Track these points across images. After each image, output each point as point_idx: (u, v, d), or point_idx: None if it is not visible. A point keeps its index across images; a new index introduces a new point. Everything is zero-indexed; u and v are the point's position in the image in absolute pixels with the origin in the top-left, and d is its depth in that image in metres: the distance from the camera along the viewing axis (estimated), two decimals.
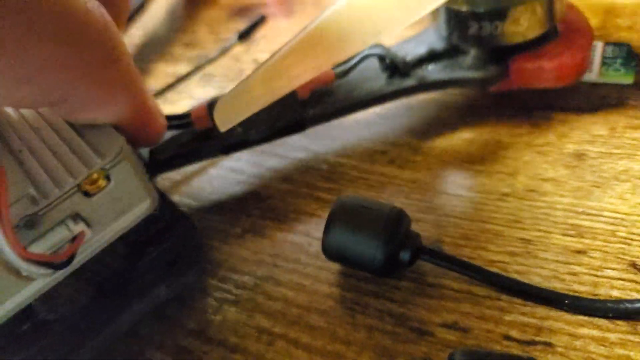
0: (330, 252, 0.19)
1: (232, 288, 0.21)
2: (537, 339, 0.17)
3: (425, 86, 0.24)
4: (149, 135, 0.19)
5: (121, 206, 0.17)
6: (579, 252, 0.19)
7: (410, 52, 0.25)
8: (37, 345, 0.17)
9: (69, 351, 0.18)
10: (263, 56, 0.32)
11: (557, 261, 0.19)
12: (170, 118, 0.23)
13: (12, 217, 0.15)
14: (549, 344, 0.17)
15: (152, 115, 0.18)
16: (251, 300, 0.20)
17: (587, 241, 0.19)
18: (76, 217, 0.16)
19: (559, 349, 0.17)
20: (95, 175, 0.16)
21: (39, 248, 0.16)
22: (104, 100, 0.16)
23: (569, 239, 0.19)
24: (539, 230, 0.20)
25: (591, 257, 0.19)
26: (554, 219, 0.20)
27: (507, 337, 0.17)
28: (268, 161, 0.25)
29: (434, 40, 0.25)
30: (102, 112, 0.17)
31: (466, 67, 0.24)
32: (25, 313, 0.17)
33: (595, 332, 0.17)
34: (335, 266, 0.20)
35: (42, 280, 0.16)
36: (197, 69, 0.32)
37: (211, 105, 0.23)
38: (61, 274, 0.17)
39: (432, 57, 0.24)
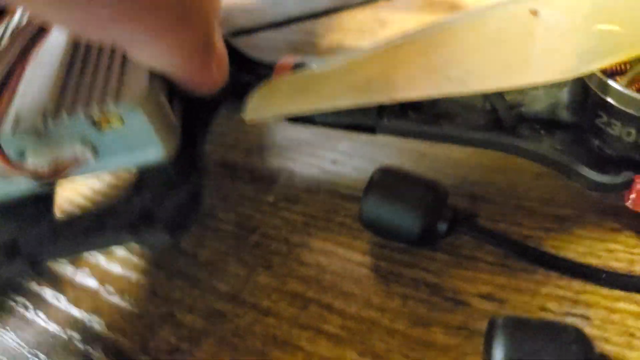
0: (367, 220, 0.19)
1: (266, 254, 0.21)
2: (574, 311, 0.17)
3: (527, 153, 0.19)
4: (200, 88, 0.18)
5: (130, 146, 0.18)
6: (614, 230, 0.19)
7: (532, 101, 0.19)
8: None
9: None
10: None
11: (592, 238, 0.19)
12: (253, 63, 0.22)
13: (19, 124, 0.16)
14: (585, 317, 0.17)
15: (208, 71, 0.17)
16: (284, 266, 0.20)
17: (624, 220, 0.19)
18: (85, 141, 0.17)
19: (596, 322, 0.17)
20: (107, 114, 0.17)
21: (39, 156, 0.17)
22: (153, 46, 0.15)
23: (604, 217, 0.19)
24: (575, 209, 0.20)
25: (627, 236, 0.19)
26: (590, 198, 0.20)
27: (544, 309, 0.17)
28: (299, 134, 0.26)
29: (562, 103, 0.19)
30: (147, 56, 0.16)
31: (582, 158, 0.18)
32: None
33: (632, 307, 0.17)
34: (368, 235, 0.20)
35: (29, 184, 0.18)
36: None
37: (297, 66, 0.21)
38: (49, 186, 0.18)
39: (550, 123, 0.19)
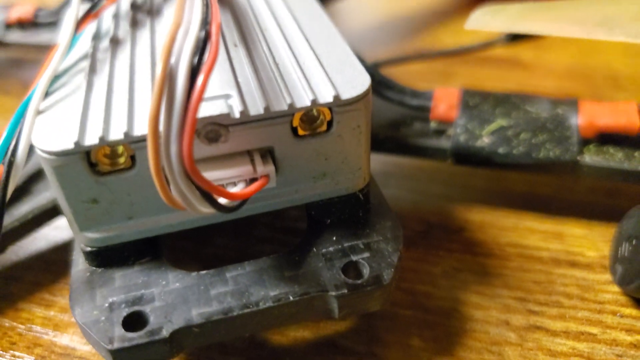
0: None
1: (489, 345, 0.15)
2: None
3: None
4: None
5: (327, 166, 0.13)
6: None
7: None
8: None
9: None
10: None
11: None
12: (404, 93, 0.19)
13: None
14: None
15: None
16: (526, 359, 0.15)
17: None
18: (267, 153, 0.13)
19: None
20: (315, 113, 0.13)
21: (205, 172, 0.11)
22: None
23: None
24: None
25: None
26: None
27: None
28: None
29: None
30: None
31: None
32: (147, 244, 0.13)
33: None
34: (615, 308, 0.16)
35: (183, 215, 0.13)
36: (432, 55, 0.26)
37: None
38: (208, 219, 0.13)
39: None
